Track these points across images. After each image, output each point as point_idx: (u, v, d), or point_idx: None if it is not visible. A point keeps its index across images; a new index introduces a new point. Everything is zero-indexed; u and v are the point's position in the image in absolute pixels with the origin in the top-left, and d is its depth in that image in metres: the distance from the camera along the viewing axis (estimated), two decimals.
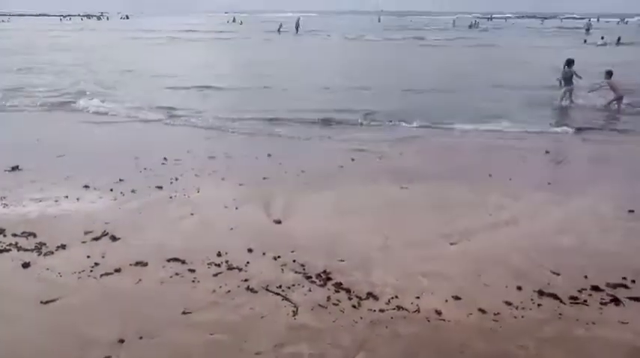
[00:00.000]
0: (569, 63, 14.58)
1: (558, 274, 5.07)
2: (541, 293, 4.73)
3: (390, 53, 33.22)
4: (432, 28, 62.38)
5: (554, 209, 6.80)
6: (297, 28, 54.08)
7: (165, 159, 8.75)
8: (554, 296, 4.67)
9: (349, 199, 7.10)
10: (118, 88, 17.65)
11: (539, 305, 4.56)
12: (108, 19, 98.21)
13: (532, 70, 21.72)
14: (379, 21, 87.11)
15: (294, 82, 19.44)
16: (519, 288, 4.79)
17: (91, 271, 5.00)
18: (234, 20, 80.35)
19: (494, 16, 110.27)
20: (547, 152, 9.83)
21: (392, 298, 4.58)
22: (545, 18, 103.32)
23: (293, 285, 4.79)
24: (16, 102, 14.76)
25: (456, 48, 37.34)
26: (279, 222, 6.31)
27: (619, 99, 14.05)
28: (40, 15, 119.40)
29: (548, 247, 5.67)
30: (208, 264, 5.16)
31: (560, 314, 4.42)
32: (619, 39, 39.66)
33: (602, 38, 38.97)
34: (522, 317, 4.37)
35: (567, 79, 14.54)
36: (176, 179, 7.74)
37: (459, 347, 3.96)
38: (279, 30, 54.04)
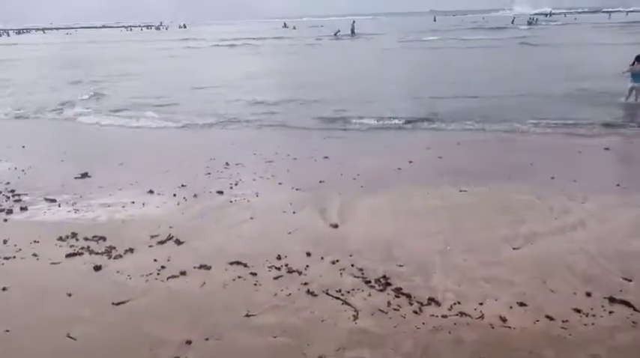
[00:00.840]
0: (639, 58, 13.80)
1: (630, 280, 4.84)
2: (612, 300, 4.53)
3: (459, 55, 32.14)
4: (492, 27, 60.26)
5: (624, 211, 6.49)
6: (352, 31, 54.20)
7: (227, 163, 8.99)
8: (627, 304, 4.46)
9: (406, 202, 7.04)
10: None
11: (610, 312, 4.37)
12: (167, 28, 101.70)
13: (597, 67, 20.70)
14: (435, 20, 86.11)
15: (368, 83, 19.54)
16: (588, 295, 4.61)
17: (158, 274, 5.20)
18: (285, 26, 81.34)
19: (552, 12, 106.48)
20: (607, 149, 9.43)
21: (454, 304, 4.51)
22: (610, 11, 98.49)
23: (352, 290, 4.81)
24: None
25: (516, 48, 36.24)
26: (336, 226, 6.34)
27: None
28: (102, 27, 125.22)
29: (617, 252, 5.42)
30: (269, 267, 5.26)
31: (633, 322, 4.22)
32: None
33: None
34: (593, 324, 4.20)
35: (637, 75, 13.77)
36: (236, 184, 7.93)
37: (526, 354, 3.85)
38: (336, 34, 54.21)
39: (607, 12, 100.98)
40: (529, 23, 66.90)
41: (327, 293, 4.75)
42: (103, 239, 6.06)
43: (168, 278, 5.12)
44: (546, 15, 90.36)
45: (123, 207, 7.11)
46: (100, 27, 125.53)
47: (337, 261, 5.38)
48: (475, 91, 16.63)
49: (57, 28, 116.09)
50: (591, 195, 7.01)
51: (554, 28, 58.65)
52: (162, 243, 5.94)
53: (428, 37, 46.88)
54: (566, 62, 23.82)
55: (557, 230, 5.98)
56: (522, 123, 11.82)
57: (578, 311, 4.37)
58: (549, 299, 4.56)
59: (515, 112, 13.01)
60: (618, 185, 7.46)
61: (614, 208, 6.59)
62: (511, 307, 4.46)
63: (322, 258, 5.45)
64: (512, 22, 68.01)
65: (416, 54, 33.28)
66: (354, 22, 58.92)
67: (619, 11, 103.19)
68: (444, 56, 31.06)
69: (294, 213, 6.74)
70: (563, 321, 4.23)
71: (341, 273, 5.13)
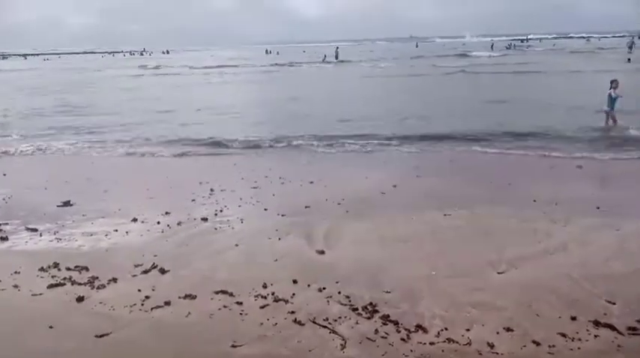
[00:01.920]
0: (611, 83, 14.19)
1: (614, 303, 4.89)
2: (597, 323, 4.56)
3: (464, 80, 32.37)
4: (476, 54, 61.28)
5: (605, 234, 6.59)
6: (336, 56, 55.62)
7: (212, 190, 8.97)
8: (611, 327, 4.50)
9: (392, 227, 7.07)
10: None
11: (595, 336, 4.40)
12: (150, 54, 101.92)
13: (580, 91, 21.18)
14: (417, 46, 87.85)
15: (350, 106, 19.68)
16: (573, 318, 4.64)
17: (142, 304, 5.11)
18: (267, 52, 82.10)
19: (529, 37, 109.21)
20: (579, 167, 9.71)
21: (441, 330, 4.51)
22: (584, 37, 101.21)
23: (339, 318, 4.78)
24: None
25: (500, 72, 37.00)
26: (322, 252, 6.32)
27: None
28: (85, 53, 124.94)
29: (601, 274, 5.48)
30: (255, 296, 5.21)
31: (618, 345, 4.25)
32: None
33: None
34: (579, 348, 4.23)
35: (611, 100, 14.14)
36: (221, 210, 7.89)
37: None
38: (323, 60, 55.21)
39: (581, 37, 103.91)
40: (507, 48, 68.70)
41: (314, 322, 4.72)
42: (86, 269, 5.96)
43: (152, 308, 5.04)
44: (522, 41, 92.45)
45: (106, 235, 7.03)
46: (82, 53, 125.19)
47: (324, 288, 5.35)
48: (461, 111, 16.96)
49: (39, 54, 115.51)
50: (572, 218, 7.12)
51: (536, 53, 59.81)
52: (146, 272, 5.86)
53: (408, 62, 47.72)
54: (551, 87, 24.33)
55: (540, 253, 6.04)
56: (502, 144, 12.09)
57: (564, 335, 4.39)
58: (535, 324, 4.58)
59: (493, 134, 13.33)
60: (598, 208, 7.58)
61: (595, 230, 6.69)
62: (498, 332, 4.47)
63: (309, 286, 5.42)
64: (492, 48, 69.60)
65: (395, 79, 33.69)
66: (337, 48, 60.52)
67: (582, 37, 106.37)
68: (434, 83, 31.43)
69: (279, 239, 6.72)
70: (549, 346, 4.25)
71: (328, 301, 5.10)
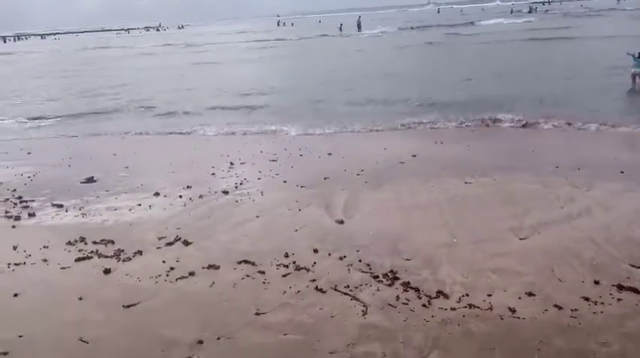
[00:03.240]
0: None
1: (637, 267, 4.85)
2: (620, 287, 4.54)
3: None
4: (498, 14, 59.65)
5: (629, 198, 6.49)
6: (359, 26, 53.51)
7: (231, 163, 9.04)
8: (635, 290, 4.47)
9: (411, 196, 7.05)
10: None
11: (619, 299, 4.38)
12: (166, 29, 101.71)
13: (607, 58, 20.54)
14: (438, 12, 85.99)
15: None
16: (597, 283, 4.62)
17: (167, 275, 5.23)
18: (279, 24, 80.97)
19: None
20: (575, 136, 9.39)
21: (462, 296, 4.53)
22: None
23: (360, 285, 4.83)
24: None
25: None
26: (341, 222, 6.36)
27: None
28: (101, 30, 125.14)
29: (624, 239, 5.42)
30: (277, 265, 5.29)
31: None
32: None
33: None
34: (602, 312, 4.21)
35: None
36: (241, 183, 7.95)
37: (536, 344, 3.86)
38: (340, 28, 53.75)
39: None
40: (529, 12, 66.71)
41: (336, 290, 4.78)
42: (112, 242, 6.10)
43: (177, 279, 5.15)
44: (543, 3, 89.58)
45: (130, 210, 7.15)
46: (99, 31, 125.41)
47: (344, 256, 5.40)
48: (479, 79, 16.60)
49: (55, 33, 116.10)
50: (596, 183, 7.01)
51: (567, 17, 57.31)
52: (170, 244, 5.97)
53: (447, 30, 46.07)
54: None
55: (563, 219, 5.99)
56: (522, 114, 11.82)
57: (587, 299, 4.38)
58: (558, 289, 4.57)
59: (512, 103, 13.04)
60: (622, 172, 7.45)
61: (619, 195, 6.59)
62: (520, 297, 4.47)
63: (329, 255, 5.47)
64: (511, 12, 67.70)
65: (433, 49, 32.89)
66: (359, 17, 58.25)
67: None
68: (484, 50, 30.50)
69: (299, 210, 6.77)
70: (572, 310, 4.24)
71: (349, 269, 5.15)
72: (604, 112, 11.67)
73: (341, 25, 55.74)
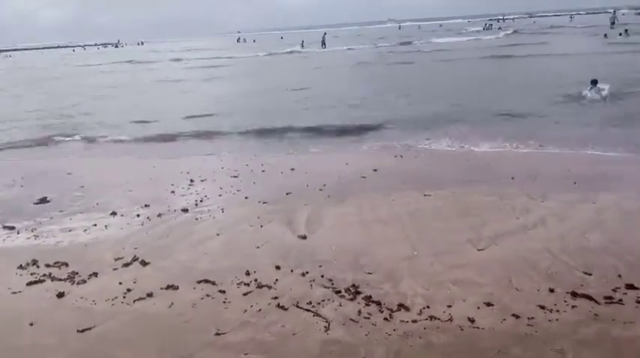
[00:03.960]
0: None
1: (590, 274, 5.00)
2: (574, 294, 4.66)
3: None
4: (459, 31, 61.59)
5: (582, 208, 6.70)
6: (323, 43, 53.94)
7: (191, 181, 8.90)
8: (589, 297, 4.59)
9: (373, 210, 7.09)
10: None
11: (573, 306, 4.49)
12: (124, 46, 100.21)
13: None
14: (399, 28, 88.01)
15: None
16: (552, 291, 4.73)
17: (124, 297, 5.08)
18: (238, 40, 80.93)
19: (506, 17, 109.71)
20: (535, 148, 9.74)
21: (423, 308, 4.56)
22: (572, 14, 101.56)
23: (323, 301, 4.80)
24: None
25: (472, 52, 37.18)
26: (304, 237, 6.33)
27: None
28: (57, 47, 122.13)
29: (578, 248, 5.58)
30: (238, 283, 5.21)
31: (595, 315, 4.34)
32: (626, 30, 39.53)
33: (622, 34, 38.72)
34: (557, 320, 4.31)
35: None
36: (201, 201, 7.84)
37: (494, 354, 3.91)
38: (302, 46, 54.10)
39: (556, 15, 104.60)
40: (484, 29, 69.09)
41: (298, 306, 4.74)
42: (66, 264, 5.89)
43: (134, 301, 5.00)
44: (498, 20, 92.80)
45: (85, 230, 6.94)
46: (54, 47, 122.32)
47: (307, 272, 5.37)
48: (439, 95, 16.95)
49: (8, 50, 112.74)
50: (550, 193, 7.23)
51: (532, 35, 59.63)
52: (127, 265, 5.81)
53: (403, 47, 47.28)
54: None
55: (519, 229, 6.13)
56: (480, 126, 12.13)
57: (543, 307, 4.47)
58: (515, 298, 4.66)
59: (469, 117, 13.38)
60: (575, 183, 7.71)
61: (572, 205, 6.80)
62: (479, 308, 4.54)
63: (292, 271, 5.43)
64: (468, 30, 69.97)
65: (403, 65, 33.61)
66: (325, 34, 58.92)
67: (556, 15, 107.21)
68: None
69: (261, 226, 6.71)
70: (528, 318, 4.33)
71: (311, 285, 5.12)
72: (554, 126, 12.11)
73: (302, 41, 56.17)
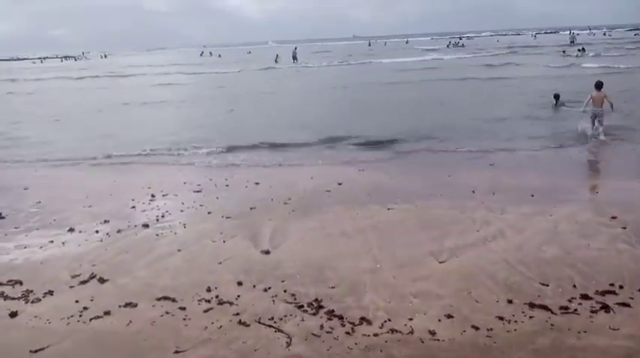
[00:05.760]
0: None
1: (547, 285, 5.13)
2: (532, 305, 4.76)
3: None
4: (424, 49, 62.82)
5: (539, 220, 6.88)
6: (294, 57, 53.78)
7: (152, 196, 8.75)
8: (545, 308, 4.71)
9: (337, 223, 7.12)
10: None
11: (530, 317, 4.59)
12: (86, 59, 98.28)
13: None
14: (369, 45, 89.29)
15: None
16: (510, 302, 4.83)
17: (80, 316, 4.93)
18: (202, 54, 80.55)
19: (469, 35, 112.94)
20: (491, 164, 10.13)
21: (385, 321, 4.58)
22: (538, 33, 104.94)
23: (285, 316, 4.77)
24: None
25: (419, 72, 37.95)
26: (267, 252, 6.29)
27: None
28: (9, 59, 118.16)
29: (535, 259, 5.73)
30: (199, 300, 5.13)
31: (551, 325, 4.45)
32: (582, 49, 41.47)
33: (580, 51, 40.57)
34: (515, 330, 4.39)
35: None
36: (162, 216, 7.71)
37: None
38: (276, 60, 53.96)
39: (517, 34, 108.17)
40: (447, 46, 71.03)
41: (260, 322, 4.69)
42: (20, 283, 5.70)
43: (91, 319, 4.86)
44: (460, 38, 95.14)
45: (41, 247, 6.72)
46: (6, 60, 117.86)
47: (269, 288, 5.33)
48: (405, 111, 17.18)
49: None
50: (509, 206, 7.40)
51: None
52: (84, 282, 5.65)
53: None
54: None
55: (479, 241, 6.25)
56: (442, 142, 12.37)
57: (501, 318, 4.56)
58: (474, 310, 4.73)
59: (433, 133, 13.65)
60: (532, 196, 7.92)
61: (530, 217, 6.98)
62: (439, 320, 4.59)
63: (254, 286, 5.39)
64: (432, 48, 71.69)
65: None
66: (295, 48, 58.78)
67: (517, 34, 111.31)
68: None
69: (224, 242, 6.64)
70: (488, 330, 4.40)
71: (273, 300, 5.08)
72: (514, 140, 12.46)
73: (277, 56, 55.90)
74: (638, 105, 16.32)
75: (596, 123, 12.22)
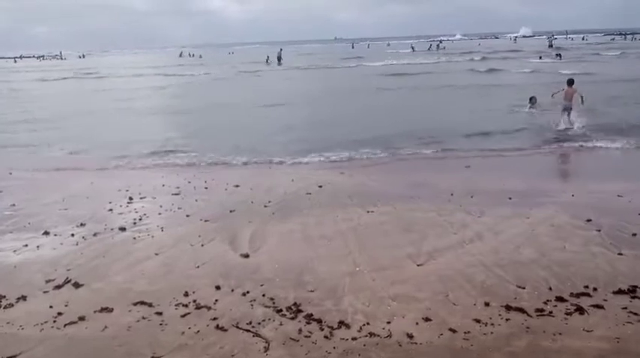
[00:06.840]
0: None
1: (523, 288, 5.18)
2: (508, 307, 4.81)
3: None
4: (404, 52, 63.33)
5: (516, 223, 6.96)
6: (279, 59, 53.46)
7: (130, 198, 8.63)
8: (521, 310, 4.75)
9: (317, 227, 7.11)
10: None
11: (507, 319, 4.63)
12: (64, 58, 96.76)
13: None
14: (352, 47, 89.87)
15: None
16: (487, 305, 4.87)
17: (54, 321, 4.83)
18: (181, 55, 79.96)
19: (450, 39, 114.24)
20: (467, 166, 10.22)
21: (363, 325, 4.58)
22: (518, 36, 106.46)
23: (263, 320, 4.74)
24: None
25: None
26: (246, 256, 6.25)
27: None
28: None
29: (511, 262, 5.79)
30: (176, 305, 5.06)
31: (527, 327, 4.49)
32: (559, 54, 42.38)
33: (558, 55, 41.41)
34: (492, 333, 4.43)
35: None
36: (140, 219, 7.61)
37: None
38: (267, 62, 53.65)
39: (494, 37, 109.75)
40: (429, 49, 71.83)
41: (238, 327, 4.65)
42: None
43: (65, 325, 4.76)
44: (441, 42, 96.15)
45: (14, 251, 6.58)
46: None
47: (248, 292, 5.29)
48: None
49: None
50: (486, 209, 7.48)
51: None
52: (58, 287, 5.54)
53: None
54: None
55: (457, 244, 6.30)
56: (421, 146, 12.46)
57: (478, 321, 4.59)
58: (452, 312, 4.76)
59: (411, 136, 13.73)
60: (510, 198, 8.02)
61: (507, 220, 7.06)
62: (417, 323, 4.60)
63: (232, 291, 5.34)
64: (413, 50, 72.27)
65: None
66: (280, 50, 58.58)
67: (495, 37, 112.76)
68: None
69: (202, 245, 6.58)
70: (465, 333, 4.42)
71: (252, 305, 5.05)
72: (492, 142, 12.62)
73: (268, 57, 55.46)
74: (616, 108, 16.72)
75: (568, 116, 13.94)
